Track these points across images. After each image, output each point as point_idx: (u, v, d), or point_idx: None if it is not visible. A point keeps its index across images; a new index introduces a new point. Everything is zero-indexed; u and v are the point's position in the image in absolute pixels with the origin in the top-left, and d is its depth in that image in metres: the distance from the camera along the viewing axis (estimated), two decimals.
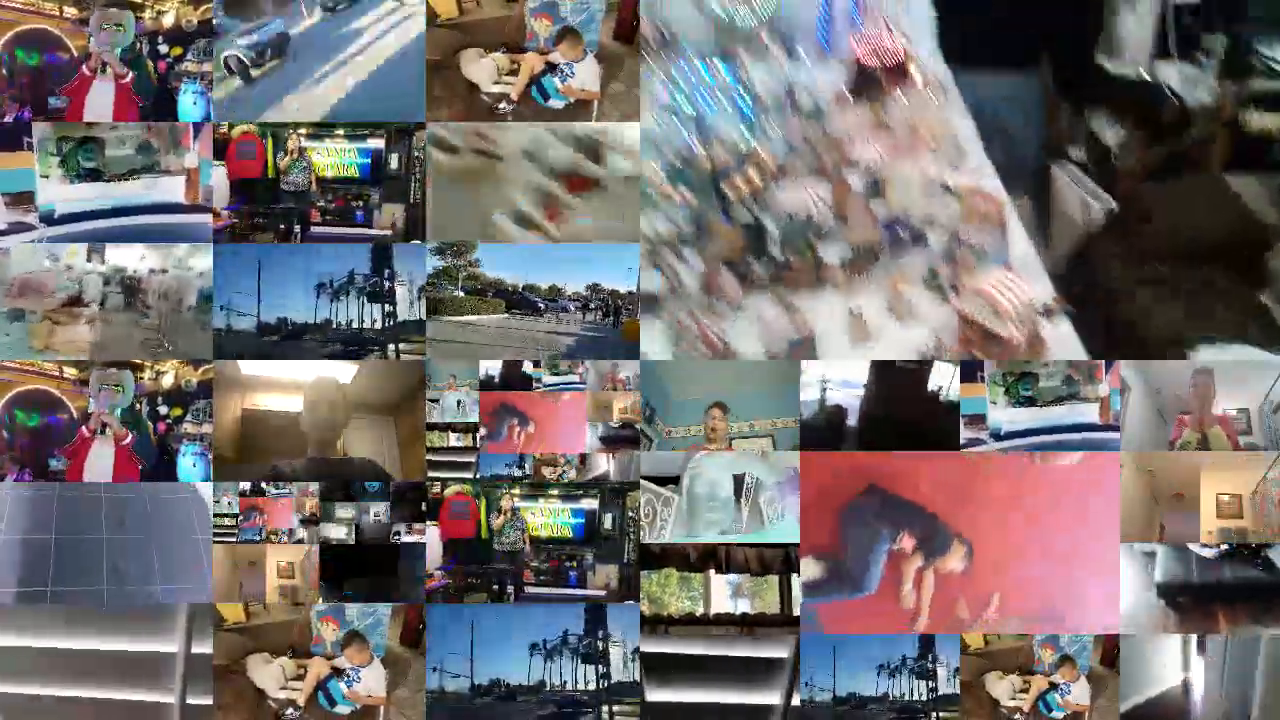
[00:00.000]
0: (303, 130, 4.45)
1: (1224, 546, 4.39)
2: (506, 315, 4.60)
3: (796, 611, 4.32)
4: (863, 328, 4.39)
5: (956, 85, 5.47)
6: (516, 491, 4.40)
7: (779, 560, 4.30)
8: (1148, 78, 6.02)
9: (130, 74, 4.48)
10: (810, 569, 4.28)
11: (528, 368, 4.48)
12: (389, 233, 4.47)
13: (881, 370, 4.41)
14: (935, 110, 5.12)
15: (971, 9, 5.86)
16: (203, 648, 4.38)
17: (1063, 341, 4.37)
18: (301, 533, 4.39)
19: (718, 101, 5.01)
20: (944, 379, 4.41)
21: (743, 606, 4.45)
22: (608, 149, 4.52)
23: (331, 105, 4.52)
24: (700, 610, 4.47)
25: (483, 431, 4.45)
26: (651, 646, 4.35)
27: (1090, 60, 6.13)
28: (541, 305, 4.61)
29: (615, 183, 4.53)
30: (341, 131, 4.47)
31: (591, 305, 4.59)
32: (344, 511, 4.40)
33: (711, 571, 4.37)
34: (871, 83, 5.21)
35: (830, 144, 4.98)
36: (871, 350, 4.39)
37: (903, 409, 4.40)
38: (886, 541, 4.27)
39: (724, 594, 4.47)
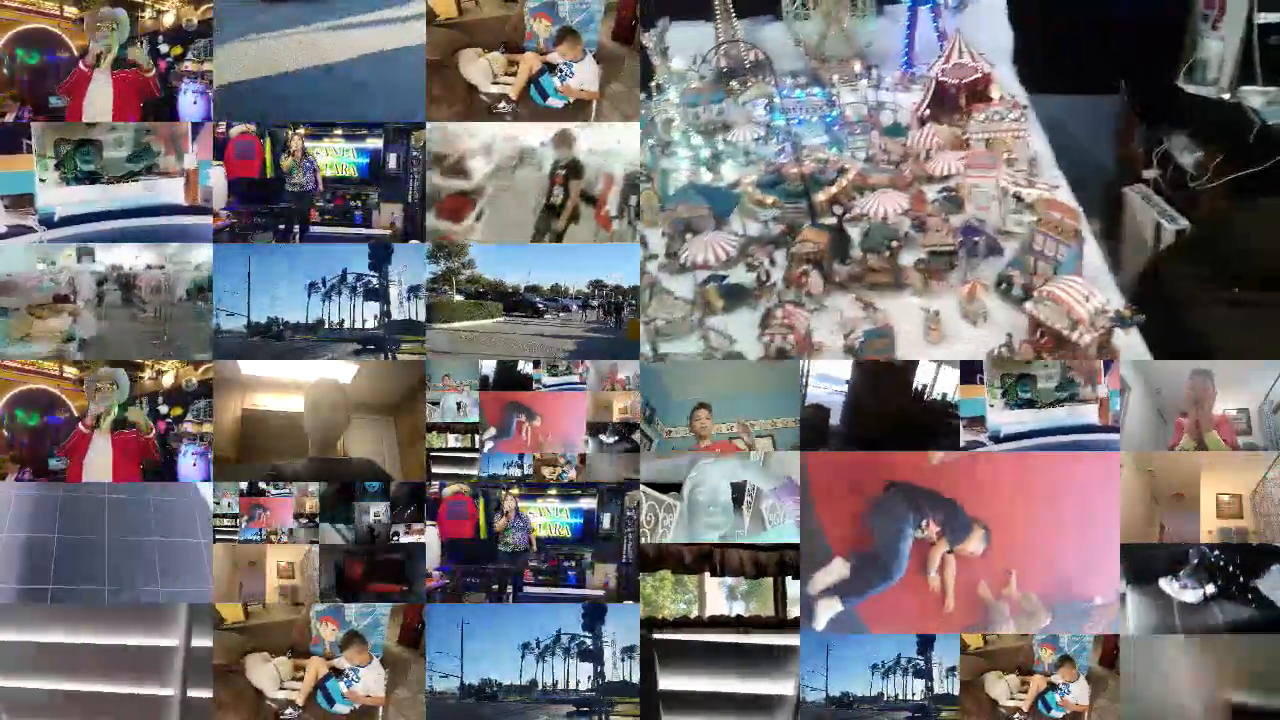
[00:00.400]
0: (302, 130, 4.47)
1: (1209, 589, 4.33)
2: (504, 319, 4.59)
3: (792, 614, 4.32)
4: (938, 328, 4.51)
5: (1033, 106, 5.58)
6: (515, 492, 4.40)
7: (774, 563, 4.31)
8: (1231, 100, 6.06)
9: (153, 69, 4.48)
10: (838, 569, 4.29)
11: (525, 368, 4.48)
12: (388, 232, 4.47)
13: (864, 367, 4.43)
14: (1012, 126, 5.37)
15: (1052, 34, 5.98)
16: (203, 641, 4.39)
17: (1134, 350, 4.41)
18: (302, 533, 4.39)
19: (808, 119, 5.67)
20: (928, 377, 4.42)
21: (738, 609, 4.46)
22: (468, 156, 4.52)
23: (327, 62, 4.53)
24: (695, 613, 4.48)
25: (492, 431, 4.45)
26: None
27: (1171, 84, 6.21)
28: (541, 305, 4.60)
29: (491, 184, 4.57)
30: (340, 131, 4.48)
31: (593, 303, 4.59)
32: (352, 514, 4.40)
33: (707, 574, 4.38)
34: (951, 102, 5.60)
35: (910, 158, 5.40)
36: (947, 350, 4.49)
37: (887, 407, 4.40)
38: (912, 527, 4.28)
39: (719, 596, 4.48)
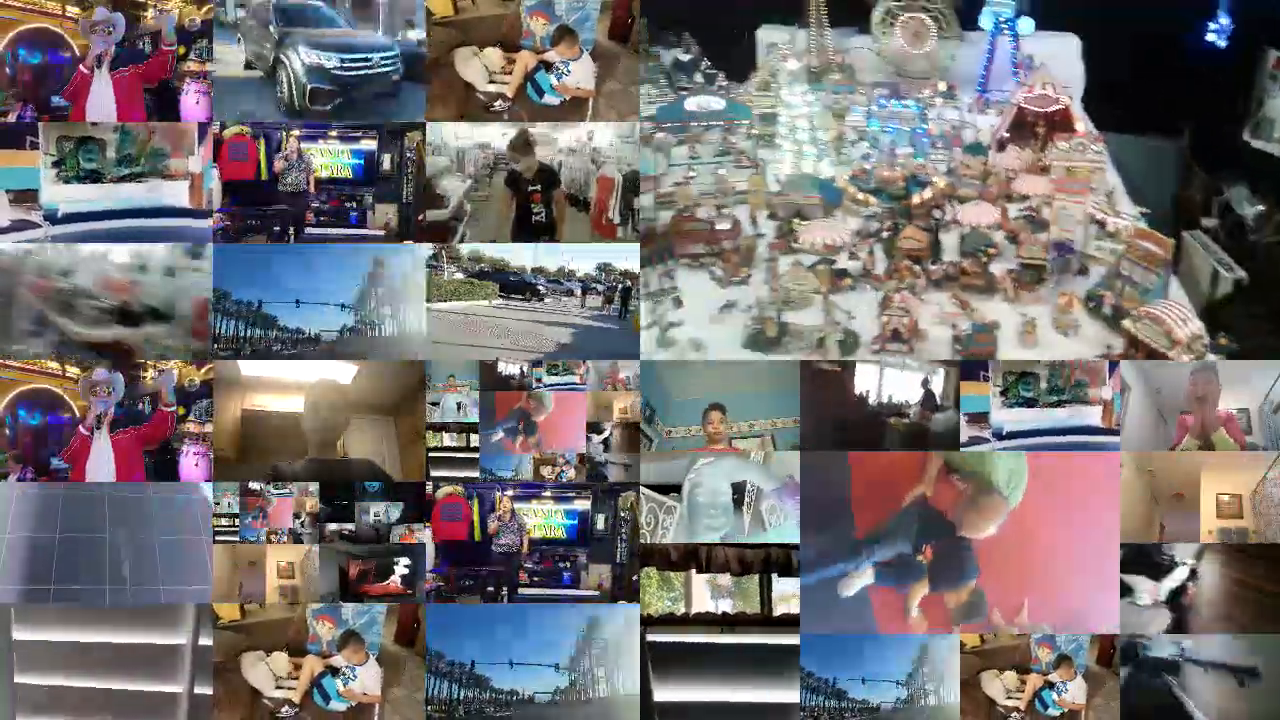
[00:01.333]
0: (295, 132, 4.48)
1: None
2: (499, 302, 4.56)
3: (777, 611, 4.32)
4: (1033, 333, 4.60)
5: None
6: (510, 493, 4.40)
7: (760, 560, 4.31)
8: None
9: (174, 42, 4.51)
10: (867, 574, 4.33)
11: (508, 369, 4.48)
12: (382, 233, 4.48)
13: (800, 373, 4.42)
14: (1093, 158, 5.42)
15: (1122, 76, 6.04)
16: (207, 640, 4.41)
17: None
18: (302, 533, 4.42)
19: (901, 129, 5.88)
20: (871, 381, 4.42)
21: (724, 606, 4.46)
22: (435, 182, 4.54)
23: None
24: (681, 610, 4.47)
25: (499, 435, 4.47)
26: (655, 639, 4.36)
27: (1234, 136, 6.24)
28: (543, 287, 4.56)
29: (468, 203, 4.62)
30: (335, 133, 4.49)
31: (599, 288, 4.56)
32: (356, 514, 4.43)
33: (693, 571, 4.38)
34: (1029, 129, 5.74)
35: (991, 176, 5.59)
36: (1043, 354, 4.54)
37: (829, 414, 4.40)
38: (911, 548, 4.31)
39: (704, 594, 4.48)
